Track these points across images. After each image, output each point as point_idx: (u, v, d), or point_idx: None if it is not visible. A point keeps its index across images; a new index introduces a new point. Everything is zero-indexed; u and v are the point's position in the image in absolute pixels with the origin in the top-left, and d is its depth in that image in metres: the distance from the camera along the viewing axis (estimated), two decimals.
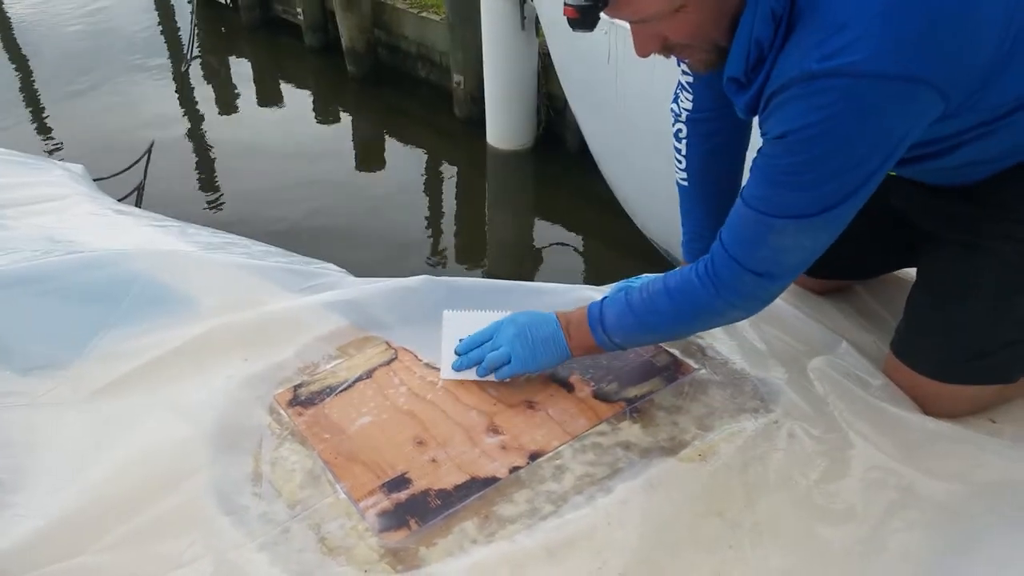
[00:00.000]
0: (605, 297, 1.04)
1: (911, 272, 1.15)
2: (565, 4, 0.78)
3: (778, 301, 1.24)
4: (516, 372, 1.05)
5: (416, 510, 0.91)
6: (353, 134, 5.04)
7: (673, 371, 1.14)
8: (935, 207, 1.02)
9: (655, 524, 0.89)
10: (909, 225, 1.09)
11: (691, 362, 1.16)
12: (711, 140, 1.12)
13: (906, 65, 0.72)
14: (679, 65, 1.09)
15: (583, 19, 0.78)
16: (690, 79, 1.10)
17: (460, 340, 1.11)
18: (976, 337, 0.99)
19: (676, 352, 1.18)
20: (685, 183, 1.18)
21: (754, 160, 0.87)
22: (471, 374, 1.09)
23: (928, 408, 1.03)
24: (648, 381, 1.12)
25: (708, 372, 1.14)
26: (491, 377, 1.07)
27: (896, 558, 0.84)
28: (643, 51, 0.84)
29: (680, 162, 1.18)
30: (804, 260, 0.89)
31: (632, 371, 1.14)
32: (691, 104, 1.11)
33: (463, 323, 1.15)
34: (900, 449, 0.96)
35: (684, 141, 1.15)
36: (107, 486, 0.93)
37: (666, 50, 0.85)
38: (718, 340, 1.19)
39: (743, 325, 1.21)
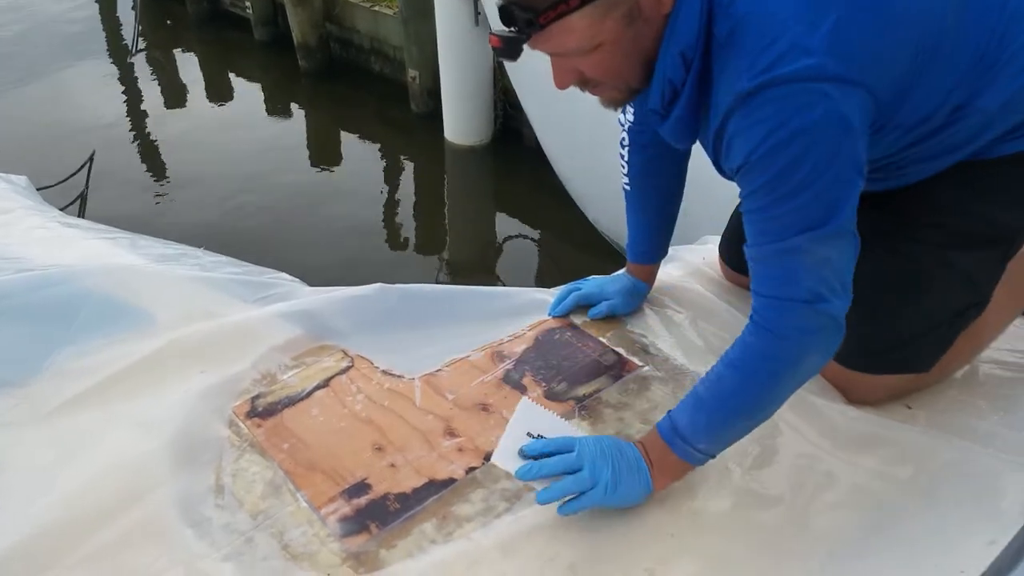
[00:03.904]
0: (669, 411, 0.95)
1: None
2: (490, 34, 0.82)
3: (713, 299, 1.32)
4: (595, 504, 0.91)
5: (376, 514, 0.94)
6: (307, 130, 5.00)
7: (619, 369, 1.20)
8: None
9: (602, 516, 0.94)
10: None
11: (635, 360, 1.22)
12: (647, 151, 1.18)
13: (840, 69, 0.74)
14: None
15: (507, 49, 0.81)
16: None
17: (529, 435, 0.99)
18: (887, 330, 1.06)
19: (621, 351, 1.24)
20: (628, 188, 1.24)
21: (741, 209, 0.87)
22: (536, 484, 0.94)
23: (850, 395, 1.11)
24: (596, 379, 1.18)
25: (651, 369, 1.20)
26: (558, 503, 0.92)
27: (819, 538, 0.91)
28: (561, 83, 0.87)
29: (624, 167, 1.23)
30: (840, 272, 0.84)
31: (581, 370, 1.20)
32: (633, 117, 1.16)
33: (537, 419, 1.04)
34: (823, 436, 1.04)
35: (627, 149, 1.21)
36: (71, 504, 0.94)
37: (582, 84, 0.87)
38: (660, 338, 1.26)
39: (683, 323, 1.28)
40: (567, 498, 0.92)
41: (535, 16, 0.77)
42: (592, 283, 1.34)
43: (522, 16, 0.78)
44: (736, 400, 0.90)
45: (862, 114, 0.78)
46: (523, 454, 0.97)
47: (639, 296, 1.32)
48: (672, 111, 0.87)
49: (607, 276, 1.35)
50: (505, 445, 1.00)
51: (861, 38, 0.76)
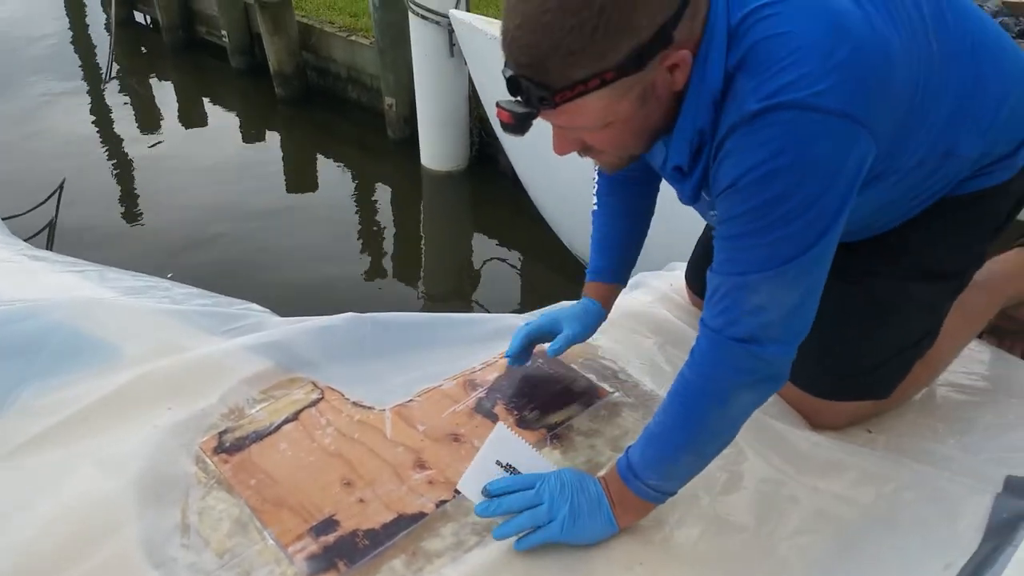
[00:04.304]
0: (628, 447, 0.96)
1: None
2: (499, 107, 0.76)
3: (681, 324, 1.34)
4: (552, 539, 0.92)
5: (344, 552, 0.93)
6: (283, 157, 4.99)
7: (590, 396, 1.21)
8: None
9: (572, 547, 0.94)
10: None
11: (606, 386, 1.23)
12: (617, 177, 1.17)
13: (847, 105, 0.73)
14: None
15: (517, 125, 0.77)
16: None
17: (498, 463, 0.98)
18: (847, 359, 1.09)
19: (592, 377, 1.25)
20: (596, 207, 1.22)
21: (714, 233, 0.86)
22: (496, 520, 0.95)
23: (812, 420, 1.13)
24: (567, 407, 1.19)
25: (621, 395, 1.21)
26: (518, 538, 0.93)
27: (785, 564, 0.93)
28: (561, 151, 0.85)
29: (594, 187, 1.22)
30: (788, 319, 0.83)
31: (552, 398, 1.20)
32: None
33: (509, 447, 1.01)
34: (787, 462, 1.06)
35: (597, 170, 1.19)
36: (34, 544, 0.93)
37: (583, 151, 0.86)
38: (630, 364, 1.27)
39: (652, 348, 1.30)
40: (524, 532, 0.92)
41: (550, 95, 0.73)
42: (543, 316, 1.24)
43: (536, 92, 0.74)
44: (676, 434, 0.90)
45: (860, 160, 0.77)
46: (486, 492, 0.96)
47: (595, 319, 1.21)
48: (699, 162, 0.83)
49: (559, 307, 1.28)
50: (473, 472, 0.99)
51: (870, 75, 0.75)
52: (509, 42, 0.73)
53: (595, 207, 1.23)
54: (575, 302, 1.26)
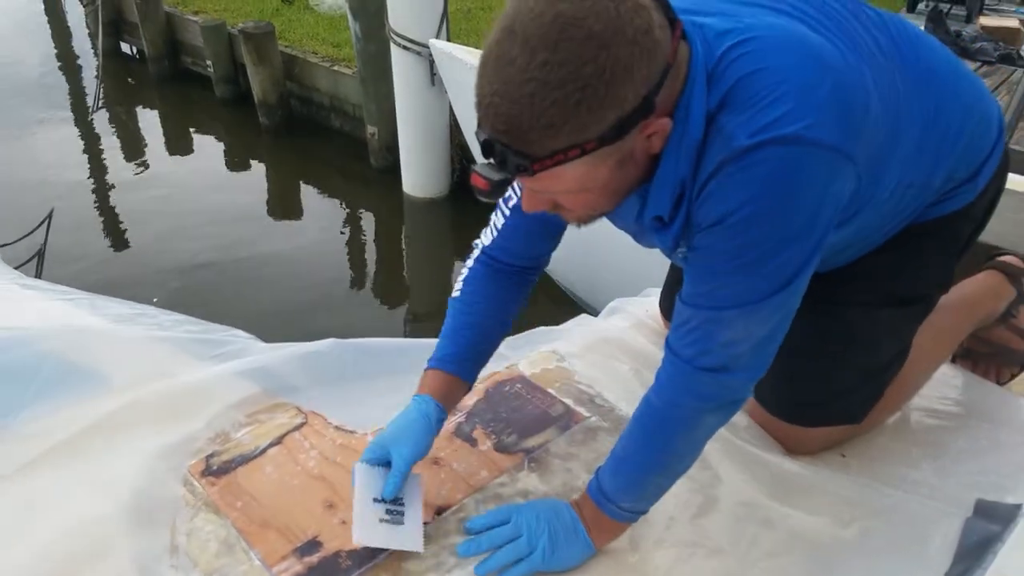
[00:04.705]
0: (597, 470, 0.97)
1: None
2: (475, 173, 0.74)
3: (656, 350, 1.37)
4: (535, 570, 0.94)
5: (328, 572, 0.96)
6: (268, 185, 5.03)
7: (567, 420, 1.25)
8: None
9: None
10: None
11: (582, 410, 1.27)
12: (495, 267, 1.10)
13: (836, 138, 0.73)
14: (498, 208, 1.07)
15: (493, 192, 0.74)
16: (501, 223, 1.07)
17: (375, 500, 0.96)
18: (818, 386, 1.12)
19: (569, 402, 1.29)
20: (457, 294, 1.11)
21: (686, 260, 0.85)
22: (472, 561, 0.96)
23: (787, 446, 1.16)
24: (544, 431, 1.22)
25: (597, 419, 1.25)
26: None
27: None
28: (531, 209, 0.82)
29: (463, 272, 1.13)
30: (757, 349, 0.83)
31: (530, 422, 1.24)
32: (493, 240, 1.09)
33: (378, 481, 0.99)
34: (762, 485, 1.09)
35: (472, 260, 1.12)
36: (27, 568, 0.94)
37: (553, 209, 0.83)
38: (606, 388, 1.31)
39: (627, 373, 1.34)
40: (505, 566, 0.95)
41: (529, 163, 0.70)
42: (370, 448, 1.03)
43: (514, 160, 0.71)
44: (644, 458, 0.92)
45: (841, 193, 0.78)
46: (468, 530, 0.98)
47: (428, 426, 1.02)
48: (680, 209, 0.82)
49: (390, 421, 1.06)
50: (360, 522, 0.95)
51: (852, 108, 0.76)
52: (486, 107, 0.70)
53: (457, 292, 1.10)
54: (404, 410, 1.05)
